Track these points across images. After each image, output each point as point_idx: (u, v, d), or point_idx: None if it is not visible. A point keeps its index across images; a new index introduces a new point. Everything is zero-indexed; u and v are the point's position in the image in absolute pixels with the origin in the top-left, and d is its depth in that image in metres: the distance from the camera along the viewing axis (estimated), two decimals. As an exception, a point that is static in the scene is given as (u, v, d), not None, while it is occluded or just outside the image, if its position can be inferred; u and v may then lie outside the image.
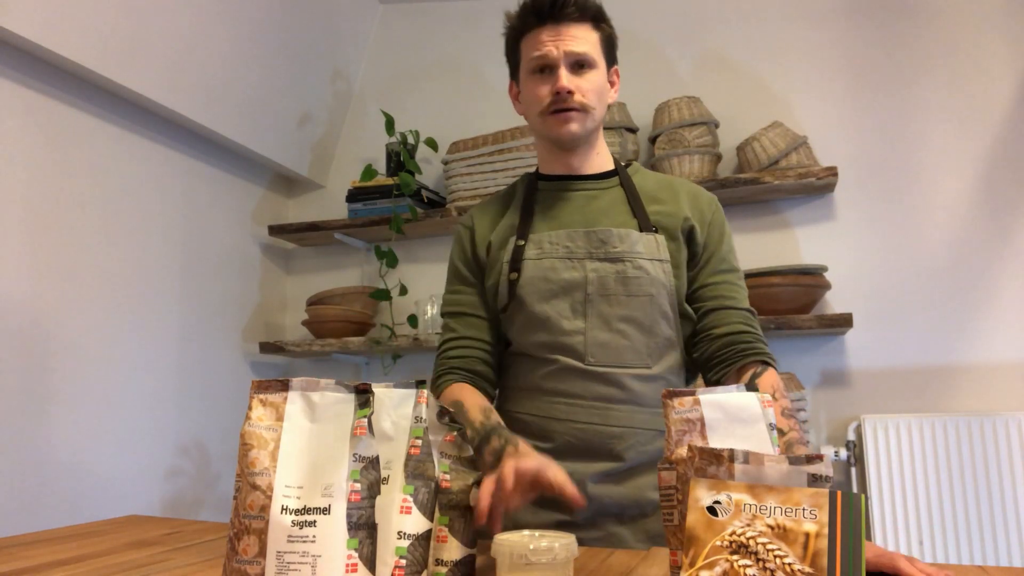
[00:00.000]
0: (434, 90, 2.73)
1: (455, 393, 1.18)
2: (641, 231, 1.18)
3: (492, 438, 1.05)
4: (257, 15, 2.26)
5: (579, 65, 1.17)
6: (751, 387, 0.81)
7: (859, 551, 0.55)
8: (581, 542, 1.14)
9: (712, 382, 1.18)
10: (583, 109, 1.17)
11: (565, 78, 1.15)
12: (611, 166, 1.28)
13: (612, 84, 1.25)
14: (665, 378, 1.18)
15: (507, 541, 0.74)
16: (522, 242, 1.22)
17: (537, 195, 1.27)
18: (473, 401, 1.14)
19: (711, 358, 1.17)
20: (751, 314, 1.20)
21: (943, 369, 2.12)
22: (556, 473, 0.92)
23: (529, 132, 2.36)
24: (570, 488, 0.91)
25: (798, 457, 0.62)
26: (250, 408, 0.71)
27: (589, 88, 1.17)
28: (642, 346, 1.16)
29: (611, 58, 1.23)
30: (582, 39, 1.16)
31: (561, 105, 1.16)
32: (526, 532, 0.79)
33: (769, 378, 1.11)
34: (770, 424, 0.78)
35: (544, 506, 1.16)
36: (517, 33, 1.22)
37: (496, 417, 1.11)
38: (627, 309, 1.15)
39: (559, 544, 0.73)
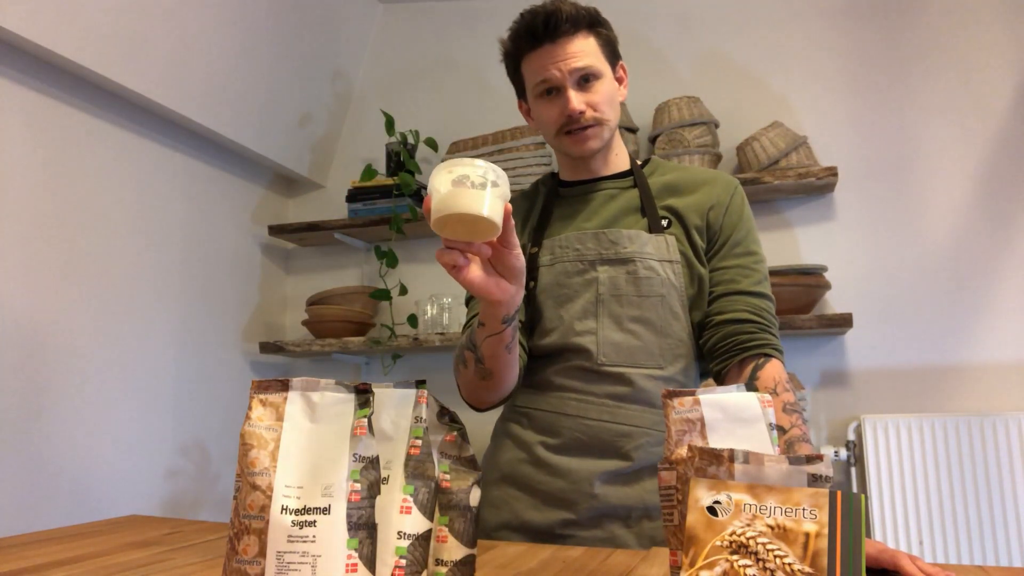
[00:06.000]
0: (434, 90, 2.73)
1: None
2: (651, 231, 1.17)
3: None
4: (257, 15, 2.26)
5: (585, 79, 1.15)
6: (751, 384, 0.81)
7: (859, 551, 0.55)
8: (583, 542, 1.13)
9: (714, 374, 1.16)
10: (598, 123, 1.16)
11: (574, 99, 1.13)
12: (628, 165, 1.27)
13: (621, 81, 1.23)
14: (677, 380, 1.16)
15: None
16: (535, 249, 1.21)
17: (557, 200, 1.27)
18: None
19: (713, 348, 1.15)
20: (762, 298, 1.15)
21: (943, 369, 2.12)
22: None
23: (529, 132, 2.36)
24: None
25: (798, 457, 0.62)
26: (250, 408, 0.71)
27: (600, 100, 1.15)
28: (654, 347, 1.14)
29: (614, 57, 1.21)
30: (583, 52, 1.14)
31: (574, 126, 1.16)
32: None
33: (771, 371, 1.08)
34: (770, 424, 0.78)
35: (548, 503, 1.15)
36: (515, 59, 1.20)
37: None
38: (639, 310, 1.14)
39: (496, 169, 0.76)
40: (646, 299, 1.14)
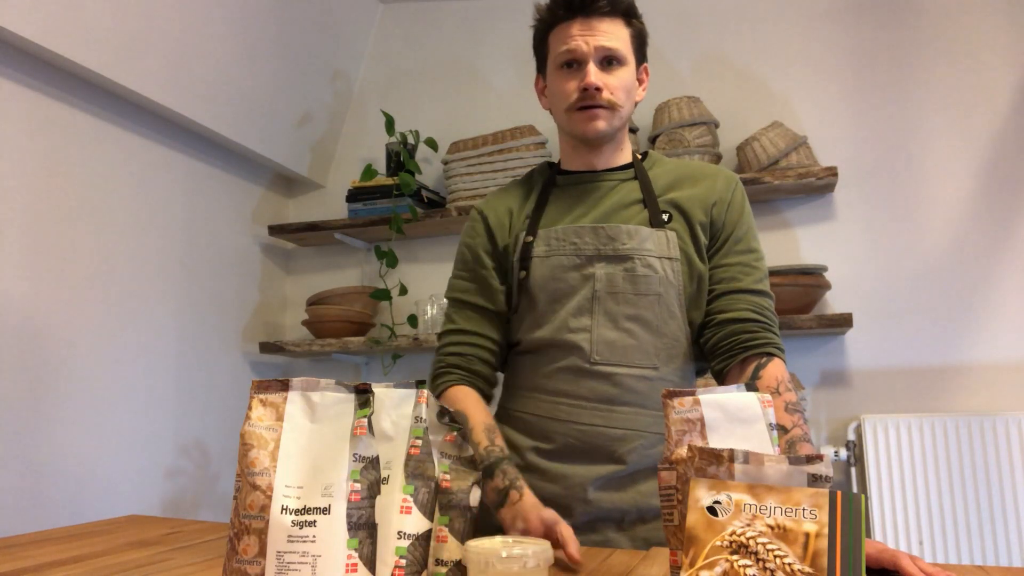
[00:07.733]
0: (434, 90, 2.73)
1: (457, 399, 1.16)
2: (652, 227, 1.15)
3: (496, 474, 1.04)
4: (257, 15, 2.26)
5: (608, 61, 1.14)
6: (752, 385, 0.81)
7: (859, 551, 0.55)
8: None
9: (716, 372, 1.15)
10: (611, 107, 1.15)
11: (594, 74, 1.13)
12: (630, 159, 1.25)
13: (641, 82, 1.22)
14: (671, 380, 1.15)
15: (478, 547, 0.72)
16: (531, 238, 1.19)
17: (554, 189, 1.25)
18: (477, 417, 1.12)
19: (715, 347, 1.14)
20: (763, 296, 1.15)
21: (943, 369, 2.12)
22: (564, 529, 0.92)
23: (529, 132, 2.36)
24: (573, 547, 0.89)
25: (798, 457, 0.62)
26: (250, 408, 0.71)
27: (618, 85, 1.15)
28: (650, 346, 1.13)
29: (641, 55, 1.21)
30: (613, 34, 1.14)
31: (588, 102, 1.14)
32: (499, 538, 0.77)
33: (774, 370, 1.07)
34: (770, 424, 0.78)
35: None
36: (546, 26, 1.20)
37: (500, 441, 1.10)
38: (635, 308, 1.13)
39: (531, 551, 0.71)
40: (643, 297, 1.13)
